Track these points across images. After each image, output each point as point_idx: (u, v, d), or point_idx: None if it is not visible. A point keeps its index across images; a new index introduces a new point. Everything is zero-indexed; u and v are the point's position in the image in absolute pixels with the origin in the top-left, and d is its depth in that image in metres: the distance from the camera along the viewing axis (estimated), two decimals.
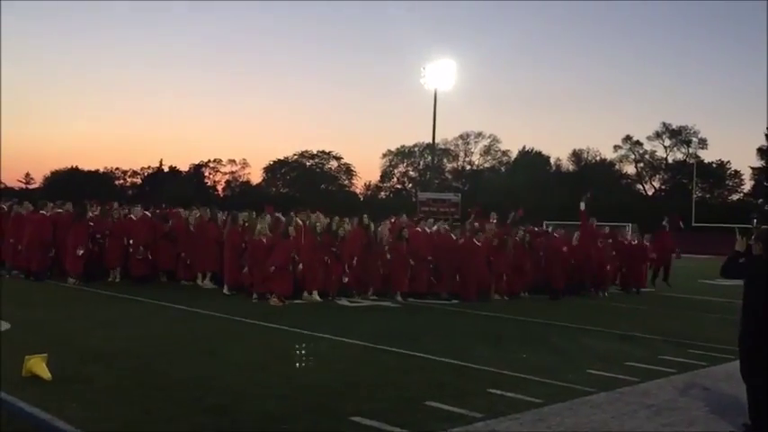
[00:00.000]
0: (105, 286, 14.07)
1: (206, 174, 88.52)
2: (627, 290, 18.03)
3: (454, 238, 15.34)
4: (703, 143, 75.04)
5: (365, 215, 15.11)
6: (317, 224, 13.98)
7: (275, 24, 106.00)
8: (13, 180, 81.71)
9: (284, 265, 12.83)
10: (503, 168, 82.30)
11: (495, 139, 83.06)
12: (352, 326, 10.58)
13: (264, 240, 13.12)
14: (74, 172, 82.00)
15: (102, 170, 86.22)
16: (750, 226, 24.16)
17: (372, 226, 14.85)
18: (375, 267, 14.33)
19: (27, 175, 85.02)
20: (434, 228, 15.78)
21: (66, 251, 14.69)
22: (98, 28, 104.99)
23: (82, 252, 14.28)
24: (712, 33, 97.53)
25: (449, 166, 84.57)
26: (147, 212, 16.20)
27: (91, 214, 15.35)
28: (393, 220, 16.08)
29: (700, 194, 66.27)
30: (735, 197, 72.25)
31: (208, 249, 14.90)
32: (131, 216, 15.58)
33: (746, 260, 5.98)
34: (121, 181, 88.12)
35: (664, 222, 19.61)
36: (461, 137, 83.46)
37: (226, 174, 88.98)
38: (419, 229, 15.39)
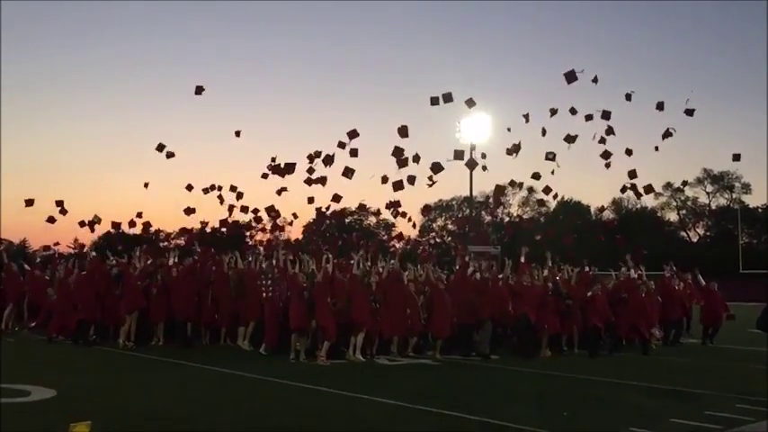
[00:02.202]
0: (150, 350, 14.35)
1: (246, 234, 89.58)
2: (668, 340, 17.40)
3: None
4: (747, 188, 73.73)
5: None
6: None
7: (310, 81, 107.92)
8: (63, 246, 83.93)
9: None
10: (542, 219, 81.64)
11: (532, 190, 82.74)
12: (390, 385, 10.61)
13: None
14: (121, 236, 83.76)
15: (146, 234, 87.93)
16: None
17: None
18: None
19: (75, 240, 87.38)
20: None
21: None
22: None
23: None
24: (750, 78, 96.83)
25: (487, 218, 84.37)
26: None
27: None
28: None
29: (746, 240, 64.78)
30: None
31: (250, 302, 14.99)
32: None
33: None
34: (166, 243, 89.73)
35: (698, 276, 18.92)
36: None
37: (267, 233, 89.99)
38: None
